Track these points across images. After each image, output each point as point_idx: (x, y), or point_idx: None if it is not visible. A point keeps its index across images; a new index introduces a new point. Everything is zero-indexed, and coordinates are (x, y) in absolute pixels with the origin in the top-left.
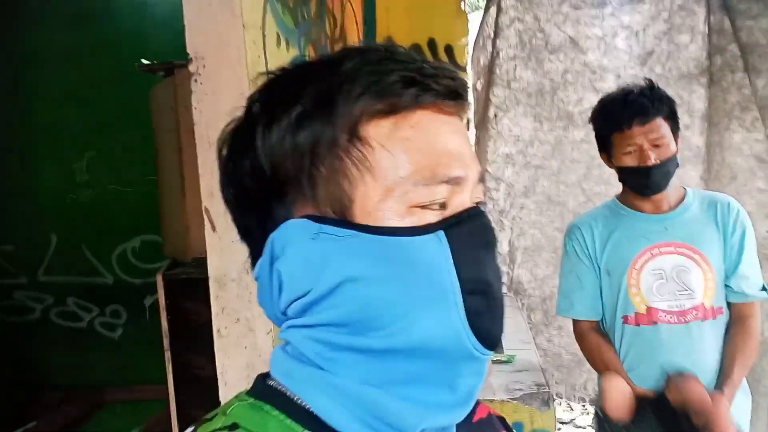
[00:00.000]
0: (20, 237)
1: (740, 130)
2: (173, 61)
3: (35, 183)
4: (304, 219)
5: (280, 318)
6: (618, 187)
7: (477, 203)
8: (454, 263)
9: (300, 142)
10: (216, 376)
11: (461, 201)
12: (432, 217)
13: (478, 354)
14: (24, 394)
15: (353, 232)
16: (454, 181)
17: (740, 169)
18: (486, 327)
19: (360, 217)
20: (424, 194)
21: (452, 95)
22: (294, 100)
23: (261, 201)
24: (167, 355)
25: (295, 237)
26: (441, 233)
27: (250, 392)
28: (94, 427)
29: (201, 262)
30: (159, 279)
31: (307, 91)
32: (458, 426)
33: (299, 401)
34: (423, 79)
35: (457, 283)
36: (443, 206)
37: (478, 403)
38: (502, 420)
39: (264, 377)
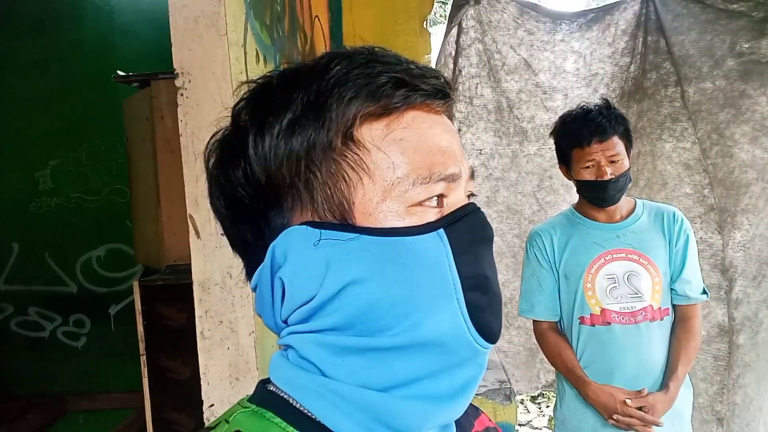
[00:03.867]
0: None
1: (671, 139)
2: (148, 72)
3: None
4: (304, 225)
5: (280, 326)
6: (566, 197)
7: (470, 198)
8: (455, 260)
9: (294, 149)
10: (191, 379)
11: (457, 198)
12: (431, 215)
13: (480, 348)
14: None
15: (355, 235)
16: (450, 178)
17: (670, 176)
18: (486, 321)
19: (360, 220)
20: (423, 193)
21: (439, 95)
22: (284, 107)
23: (256, 210)
24: (143, 359)
25: (296, 244)
26: (441, 231)
27: (252, 399)
28: None
29: (175, 269)
30: (135, 285)
31: (296, 96)
32: None
33: (300, 407)
34: (411, 80)
35: (458, 280)
36: (440, 204)
37: (478, 415)
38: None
39: (264, 383)
